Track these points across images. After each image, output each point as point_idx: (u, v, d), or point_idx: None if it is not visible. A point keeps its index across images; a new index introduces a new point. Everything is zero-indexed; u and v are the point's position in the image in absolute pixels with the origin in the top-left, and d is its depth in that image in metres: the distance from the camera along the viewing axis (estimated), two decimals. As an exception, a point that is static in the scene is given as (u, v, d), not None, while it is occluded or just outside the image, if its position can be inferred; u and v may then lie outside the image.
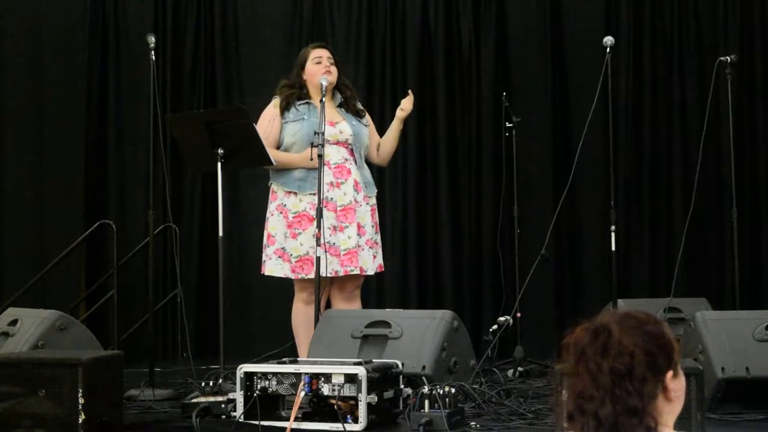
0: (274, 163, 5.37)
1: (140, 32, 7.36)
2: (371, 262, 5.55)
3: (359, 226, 5.48)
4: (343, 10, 7.95)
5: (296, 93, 5.59)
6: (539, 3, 7.81)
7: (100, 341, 5.85)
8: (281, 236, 5.49)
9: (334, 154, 5.46)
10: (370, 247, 5.53)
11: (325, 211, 5.31)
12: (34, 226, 7.96)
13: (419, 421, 4.12)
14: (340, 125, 5.51)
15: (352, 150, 5.55)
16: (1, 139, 8.04)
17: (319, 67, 5.54)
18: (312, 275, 5.30)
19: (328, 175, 5.41)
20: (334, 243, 5.39)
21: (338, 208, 5.43)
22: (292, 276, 5.48)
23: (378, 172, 6.20)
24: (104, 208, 7.88)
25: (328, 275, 5.34)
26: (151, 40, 5.72)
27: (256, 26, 8.11)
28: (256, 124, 5.42)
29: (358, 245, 5.45)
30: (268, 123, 5.55)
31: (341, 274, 5.43)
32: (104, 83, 8.01)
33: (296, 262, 5.44)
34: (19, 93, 8.06)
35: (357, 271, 5.47)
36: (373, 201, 5.63)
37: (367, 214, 5.55)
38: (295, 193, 5.47)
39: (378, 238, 5.66)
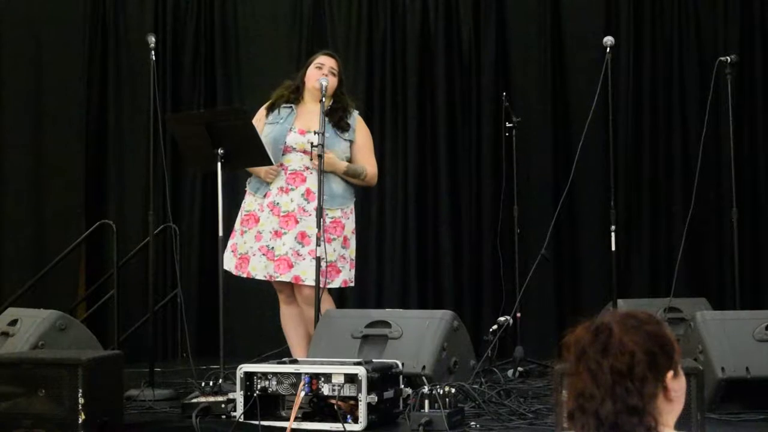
0: (274, 163, 5.39)
1: (140, 32, 7.36)
2: (313, 273, 5.22)
3: (303, 235, 5.35)
4: (343, 10, 7.95)
5: (285, 96, 5.60)
6: (539, 3, 7.81)
7: (100, 341, 5.85)
8: (238, 232, 5.57)
9: (295, 161, 5.44)
10: (313, 258, 5.22)
11: (270, 215, 5.41)
12: (35, 226, 7.96)
13: (419, 421, 4.12)
14: (309, 135, 5.40)
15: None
16: (2, 139, 8.04)
17: (317, 73, 5.53)
18: (254, 275, 5.43)
19: (281, 180, 5.45)
20: (272, 247, 5.39)
21: (281, 214, 5.42)
22: (234, 272, 5.53)
23: (378, 172, 6.14)
24: (104, 208, 7.88)
25: (263, 278, 5.42)
26: (151, 40, 5.72)
27: (256, 26, 8.11)
28: (255, 124, 5.44)
29: (297, 254, 5.33)
30: (257, 124, 5.56)
31: (277, 279, 5.40)
32: (104, 83, 8.01)
33: (239, 259, 5.50)
34: (19, 93, 8.07)
35: (287, 279, 5.34)
36: (338, 214, 5.43)
37: (316, 224, 5.29)
38: (253, 194, 5.54)
39: (346, 252, 5.47)
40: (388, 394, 4.34)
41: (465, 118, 7.80)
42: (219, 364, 5.19)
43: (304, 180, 5.42)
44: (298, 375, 4.27)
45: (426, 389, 4.23)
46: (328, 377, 4.23)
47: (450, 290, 7.64)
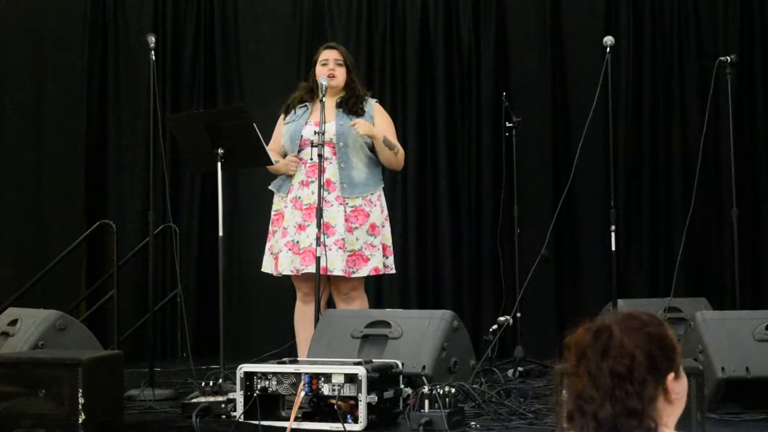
0: (274, 163, 5.41)
1: (140, 32, 7.36)
2: (341, 263, 5.34)
3: (327, 226, 5.35)
4: (343, 10, 7.95)
5: (299, 97, 5.66)
6: (539, 3, 7.81)
7: (100, 341, 5.85)
8: (271, 233, 5.60)
9: (312, 153, 5.46)
10: (339, 248, 5.35)
11: (293, 210, 5.44)
12: (34, 226, 7.96)
13: (419, 421, 4.12)
14: (324, 125, 5.41)
15: (336, 150, 5.48)
16: (1, 139, 8.04)
17: (324, 70, 5.56)
18: (281, 272, 5.44)
19: (301, 174, 5.48)
20: (297, 241, 5.40)
21: (303, 207, 5.43)
22: (274, 273, 5.54)
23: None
24: (104, 208, 7.88)
25: (290, 272, 5.41)
26: (151, 40, 5.73)
27: (256, 26, 8.11)
28: (256, 123, 5.43)
29: (323, 244, 5.34)
30: (277, 129, 5.67)
31: (303, 272, 5.39)
32: (104, 83, 8.01)
33: (274, 258, 5.53)
34: (19, 93, 8.06)
35: (314, 270, 5.28)
36: (359, 203, 5.45)
37: (339, 214, 5.40)
38: (278, 193, 5.58)
39: (375, 240, 5.49)
40: (388, 394, 4.34)
41: (465, 118, 7.80)
42: (219, 364, 5.19)
43: (323, 171, 5.43)
44: (298, 375, 4.26)
45: (426, 389, 4.22)
46: (328, 377, 4.23)
47: (450, 290, 7.64)
